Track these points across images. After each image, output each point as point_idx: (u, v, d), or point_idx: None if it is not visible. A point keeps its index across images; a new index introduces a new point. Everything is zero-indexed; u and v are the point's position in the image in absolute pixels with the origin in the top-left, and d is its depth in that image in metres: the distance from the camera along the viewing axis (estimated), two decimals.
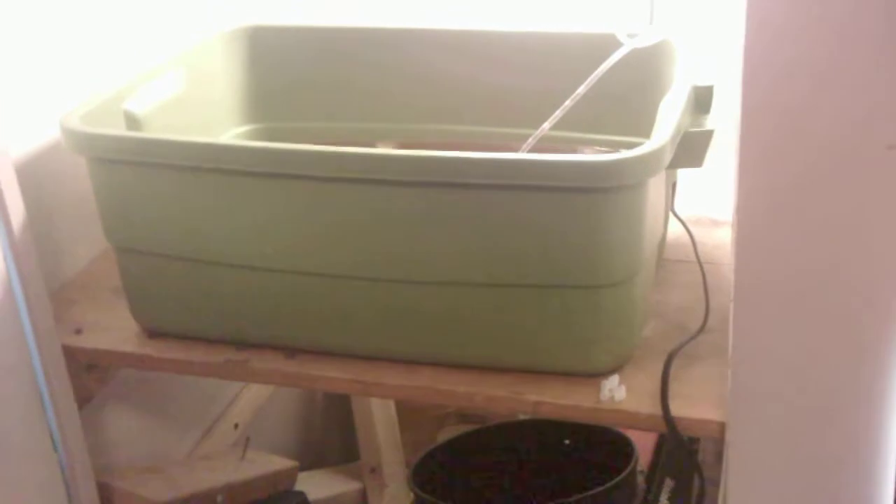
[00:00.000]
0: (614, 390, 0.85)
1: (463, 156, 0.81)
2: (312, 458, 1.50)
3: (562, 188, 0.80)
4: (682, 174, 1.02)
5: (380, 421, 1.44)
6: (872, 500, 0.74)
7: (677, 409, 0.83)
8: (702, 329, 0.92)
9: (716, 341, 0.89)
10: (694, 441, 1.20)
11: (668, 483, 1.19)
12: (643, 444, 1.17)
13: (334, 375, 0.90)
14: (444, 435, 1.41)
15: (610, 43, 0.95)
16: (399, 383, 0.89)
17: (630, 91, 1.01)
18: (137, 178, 0.90)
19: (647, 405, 0.84)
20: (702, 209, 1.09)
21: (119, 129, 0.95)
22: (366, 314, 0.89)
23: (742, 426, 0.77)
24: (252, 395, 1.39)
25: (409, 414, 1.49)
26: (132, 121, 0.97)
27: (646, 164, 0.79)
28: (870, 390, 0.71)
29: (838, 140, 0.64)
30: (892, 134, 0.62)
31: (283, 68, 1.15)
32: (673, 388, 0.85)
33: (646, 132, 0.82)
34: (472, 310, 0.87)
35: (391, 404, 1.46)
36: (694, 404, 0.83)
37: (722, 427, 0.80)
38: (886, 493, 0.73)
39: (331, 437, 1.60)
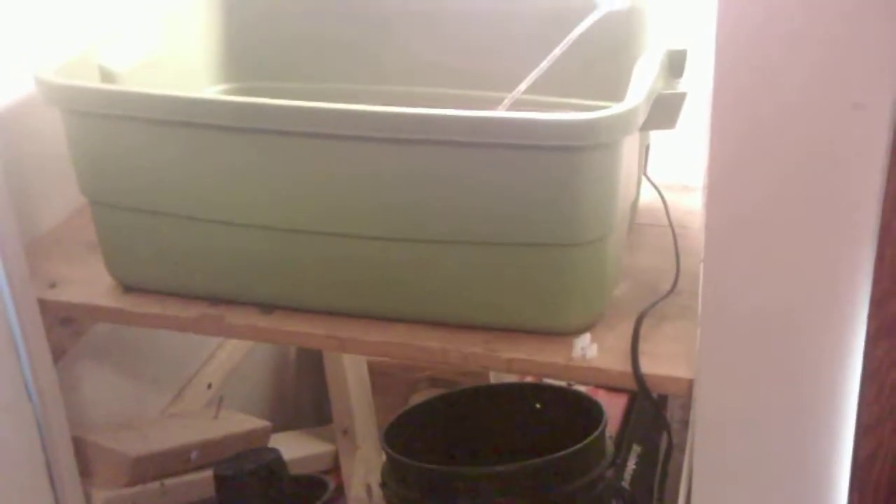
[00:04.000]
0: (586, 348, 0.87)
1: (439, 113, 0.81)
2: (285, 419, 1.51)
3: (538, 147, 0.80)
4: (655, 142, 1.03)
5: (353, 383, 1.44)
6: (835, 452, 0.76)
7: (647, 366, 0.84)
8: (672, 290, 0.93)
9: (685, 302, 0.91)
10: (663, 405, 1.22)
11: (636, 448, 1.21)
12: (613, 411, 1.19)
13: (310, 331, 0.91)
14: (416, 400, 1.42)
15: (585, 6, 0.96)
16: (375, 340, 0.90)
17: (604, 55, 1.01)
18: (113, 132, 0.89)
19: (618, 363, 0.85)
20: (674, 176, 1.11)
21: (95, 82, 0.95)
22: (342, 271, 0.90)
23: (709, 381, 0.78)
24: (226, 356, 1.40)
25: (381, 378, 1.49)
26: (108, 76, 0.97)
27: (620, 124, 0.80)
28: (836, 346, 0.73)
29: (807, 98, 0.66)
30: (857, 94, 0.64)
31: (262, 27, 1.14)
32: (643, 346, 0.86)
33: (620, 96, 0.82)
34: (446, 267, 0.87)
35: (364, 367, 1.47)
36: (663, 362, 0.85)
37: (690, 384, 0.81)
38: (846, 445, 0.75)
39: (304, 399, 1.61)
